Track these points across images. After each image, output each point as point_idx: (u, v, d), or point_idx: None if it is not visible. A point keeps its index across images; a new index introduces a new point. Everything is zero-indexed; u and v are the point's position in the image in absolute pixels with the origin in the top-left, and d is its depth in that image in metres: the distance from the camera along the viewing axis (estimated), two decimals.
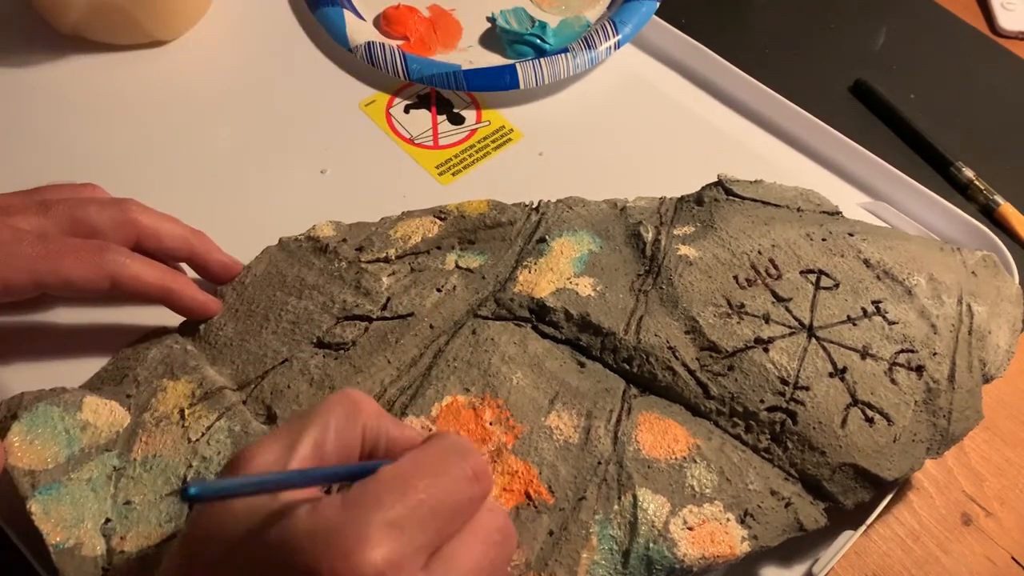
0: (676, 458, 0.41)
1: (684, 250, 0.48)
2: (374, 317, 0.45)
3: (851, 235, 0.49)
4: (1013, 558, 0.49)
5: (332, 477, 0.30)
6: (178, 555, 0.30)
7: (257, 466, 0.30)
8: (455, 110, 0.63)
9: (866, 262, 0.48)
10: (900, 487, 0.48)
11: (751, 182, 0.53)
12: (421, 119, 0.62)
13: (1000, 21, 0.78)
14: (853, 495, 0.42)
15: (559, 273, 0.48)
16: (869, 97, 0.69)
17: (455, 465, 0.30)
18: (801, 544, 0.45)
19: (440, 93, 0.63)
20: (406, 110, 0.62)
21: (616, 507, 0.39)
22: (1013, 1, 0.79)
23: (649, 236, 0.50)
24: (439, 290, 0.47)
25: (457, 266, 0.49)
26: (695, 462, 0.41)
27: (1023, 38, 0.77)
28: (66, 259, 0.42)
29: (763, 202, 0.52)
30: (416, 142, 0.61)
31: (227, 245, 0.50)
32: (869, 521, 0.45)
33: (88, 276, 0.43)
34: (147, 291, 0.44)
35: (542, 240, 0.50)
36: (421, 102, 0.63)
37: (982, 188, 0.63)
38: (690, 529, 0.39)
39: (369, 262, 0.48)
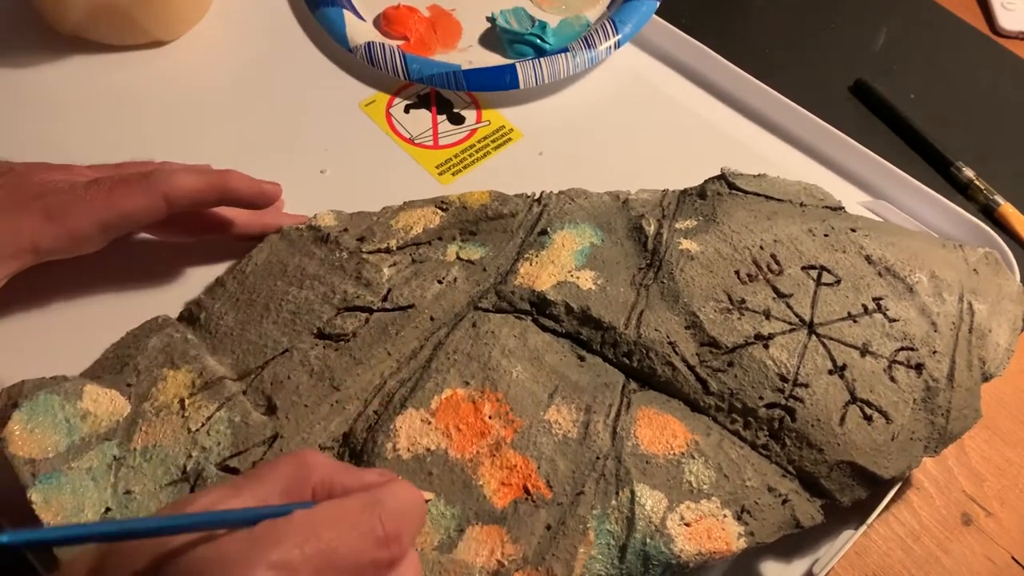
0: (674, 454, 0.41)
1: (686, 244, 0.48)
2: (375, 308, 0.45)
3: (853, 231, 0.49)
4: (1013, 558, 0.48)
5: (239, 519, 0.28)
6: (92, 562, 0.28)
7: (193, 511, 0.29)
8: (455, 110, 0.63)
9: (868, 258, 0.48)
10: (900, 487, 0.48)
11: (754, 176, 0.53)
12: (421, 119, 0.62)
13: (1000, 21, 0.78)
14: (850, 493, 0.42)
15: (560, 266, 0.47)
16: (869, 97, 0.69)
17: (367, 523, 0.29)
18: (802, 543, 0.45)
19: (440, 93, 0.63)
20: (406, 110, 0.62)
21: (614, 502, 0.39)
22: (1013, 1, 0.79)
23: (651, 229, 0.50)
24: (440, 282, 0.47)
25: (458, 257, 0.49)
26: (693, 458, 0.41)
27: (1023, 38, 0.77)
28: (117, 193, 0.44)
29: (766, 196, 0.52)
30: (416, 142, 0.61)
31: (226, 245, 0.50)
32: (870, 520, 0.45)
33: (144, 203, 0.44)
34: (202, 197, 0.46)
35: (544, 232, 0.50)
36: (421, 102, 0.63)
37: (982, 188, 0.63)
38: (687, 525, 0.39)
39: (370, 252, 0.48)
